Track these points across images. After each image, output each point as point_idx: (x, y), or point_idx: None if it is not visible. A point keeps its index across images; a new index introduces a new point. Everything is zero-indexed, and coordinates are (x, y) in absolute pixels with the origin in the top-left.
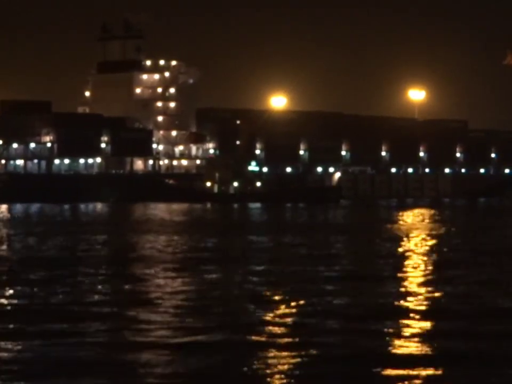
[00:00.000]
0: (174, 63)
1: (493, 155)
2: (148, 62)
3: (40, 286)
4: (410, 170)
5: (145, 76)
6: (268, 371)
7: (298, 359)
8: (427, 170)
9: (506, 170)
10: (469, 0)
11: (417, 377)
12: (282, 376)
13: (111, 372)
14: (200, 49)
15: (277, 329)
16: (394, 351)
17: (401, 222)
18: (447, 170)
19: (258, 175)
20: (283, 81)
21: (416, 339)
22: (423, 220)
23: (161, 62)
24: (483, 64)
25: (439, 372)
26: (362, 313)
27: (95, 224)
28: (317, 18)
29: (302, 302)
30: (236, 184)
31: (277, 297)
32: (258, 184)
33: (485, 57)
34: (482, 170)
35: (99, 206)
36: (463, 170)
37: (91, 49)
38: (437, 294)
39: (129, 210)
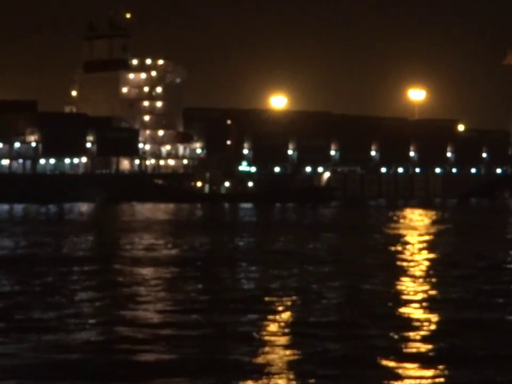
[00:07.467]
0: (161, 62)
1: (484, 155)
2: (135, 61)
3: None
4: (400, 170)
5: (131, 75)
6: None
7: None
8: (417, 170)
9: (498, 170)
10: (469, 0)
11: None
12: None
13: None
14: (196, 49)
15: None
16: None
17: (395, 223)
18: (437, 170)
19: (249, 175)
20: (283, 81)
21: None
22: (417, 221)
23: (148, 61)
24: (483, 64)
25: None
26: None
27: (80, 224)
28: (317, 18)
29: (294, 306)
30: (227, 184)
31: (268, 300)
32: (250, 184)
33: (485, 57)
34: (473, 170)
35: (85, 206)
36: (454, 170)
37: (77, 48)
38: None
39: (115, 211)
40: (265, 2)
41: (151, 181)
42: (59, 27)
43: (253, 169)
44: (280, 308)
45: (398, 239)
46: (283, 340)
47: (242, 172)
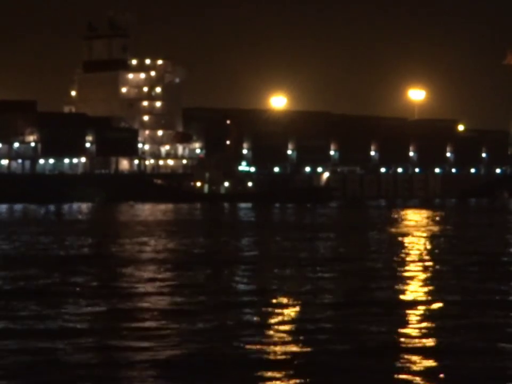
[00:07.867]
0: (160, 62)
1: (483, 155)
2: (134, 61)
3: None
4: (399, 170)
5: (131, 75)
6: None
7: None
8: (417, 170)
9: (497, 170)
10: (469, 0)
11: None
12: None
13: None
14: (196, 49)
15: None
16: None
17: (394, 224)
18: (437, 170)
19: (249, 175)
20: (283, 81)
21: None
22: (416, 221)
23: (147, 61)
24: (483, 64)
25: None
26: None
27: (80, 224)
28: (317, 18)
29: (294, 305)
30: (226, 184)
31: (267, 300)
32: (250, 184)
33: (485, 57)
34: (472, 170)
35: (84, 206)
36: (453, 170)
37: (77, 48)
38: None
39: (115, 211)
40: (265, 2)
41: (151, 181)
42: (59, 27)
43: (253, 169)
44: (280, 308)
45: (398, 239)
46: (284, 339)
47: (242, 171)
